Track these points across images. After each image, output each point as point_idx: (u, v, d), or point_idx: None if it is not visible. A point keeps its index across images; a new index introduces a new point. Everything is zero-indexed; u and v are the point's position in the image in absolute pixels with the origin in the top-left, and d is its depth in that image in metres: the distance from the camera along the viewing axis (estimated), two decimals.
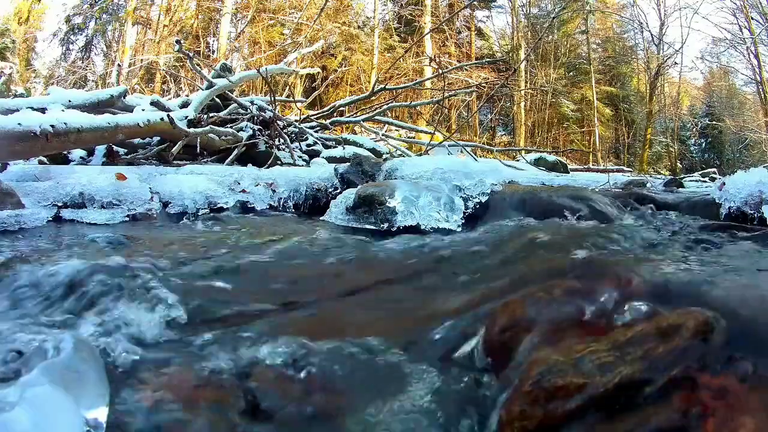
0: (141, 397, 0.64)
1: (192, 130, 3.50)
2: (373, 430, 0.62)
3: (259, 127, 4.47)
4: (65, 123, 2.42)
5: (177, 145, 3.35)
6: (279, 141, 4.60)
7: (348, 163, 2.49)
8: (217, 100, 4.53)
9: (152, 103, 3.97)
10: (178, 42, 4.22)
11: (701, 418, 0.50)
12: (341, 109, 6.29)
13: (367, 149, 5.26)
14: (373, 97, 6.08)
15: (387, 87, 6.04)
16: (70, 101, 3.46)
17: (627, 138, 20.46)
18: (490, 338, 0.76)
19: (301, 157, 4.55)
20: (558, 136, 19.49)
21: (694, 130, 22.12)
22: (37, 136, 2.24)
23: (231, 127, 4.23)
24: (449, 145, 5.31)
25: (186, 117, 3.68)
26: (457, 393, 0.68)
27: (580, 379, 0.56)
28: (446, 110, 13.43)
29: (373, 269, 1.30)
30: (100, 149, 3.49)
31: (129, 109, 3.93)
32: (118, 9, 17.98)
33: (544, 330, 0.70)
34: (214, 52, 17.12)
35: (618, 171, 9.04)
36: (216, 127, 3.95)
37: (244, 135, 4.17)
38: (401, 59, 14.13)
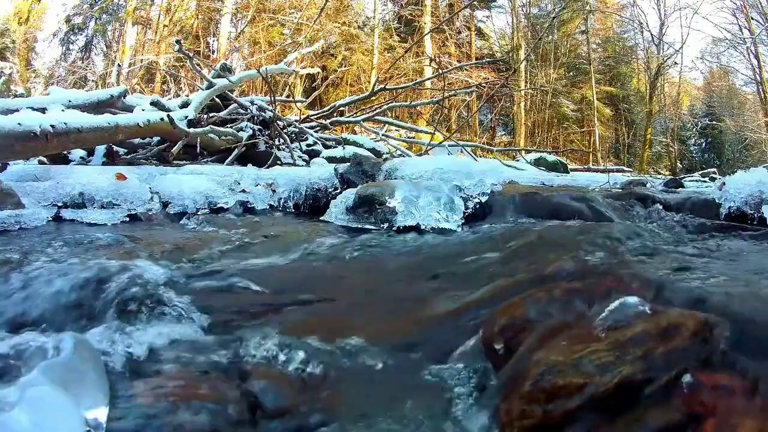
0: (141, 397, 0.64)
1: (192, 130, 3.50)
2: (373, 430, 0.62)
3: (259, 127, 4.47)
4: (65, 123, 2.42)
5: (177, 145, 3.35)
6: (279, 141, 4.60)
7: (348, 163, 2.49)
8: (217, 100, 4.53)
9: (152, 103, 3.97)
10: (178, 42, 4.22)
11: (701, 417, 0.50)
12: (341, 109, 6.29)
13: (367, 149, 5.26)
14: (373, 97, 6.08)
15: (387, 87, 6.04)
16: (70, 101, 3.46)
17: (627, 138, 20.45)
18: (490, 338, 0.76)
19: (301, 157, 4.55)
20: (558, 136, 19.48)
21: (694, 130, 22.13)
22: (37, 136, 2.24)
23: (231, 127, 4.23)
24: (449, 145, 5.31)
25: (186, 117, 3.68)
26: (457, 393, 0.68)
27: (580, 379, 0.56)
28: (446, 110, 13.42)
29: (372, 269, 1.30)
30: (100, 149, 3.48)
31: (129, 109, 3.93)
32: (118, 9, 17.97)
33: (544, 330, 0.70)
34: (214, 52, 17.10)
35: (618, 171, 9.04)
36: (216, 127, 3.95)
37: (244, 135, 4.17)
38: (401, 59, 14.12)
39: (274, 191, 2.42)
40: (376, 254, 1.44)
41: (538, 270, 1.01)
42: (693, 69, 23.52)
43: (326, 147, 5.18)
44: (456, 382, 0.71)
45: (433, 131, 5.93)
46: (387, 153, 5.63)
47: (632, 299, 0.72)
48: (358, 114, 6.31)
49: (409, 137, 7.57)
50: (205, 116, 4.09)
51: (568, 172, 6.53)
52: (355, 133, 7.81)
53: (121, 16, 17.56)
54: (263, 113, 4.56)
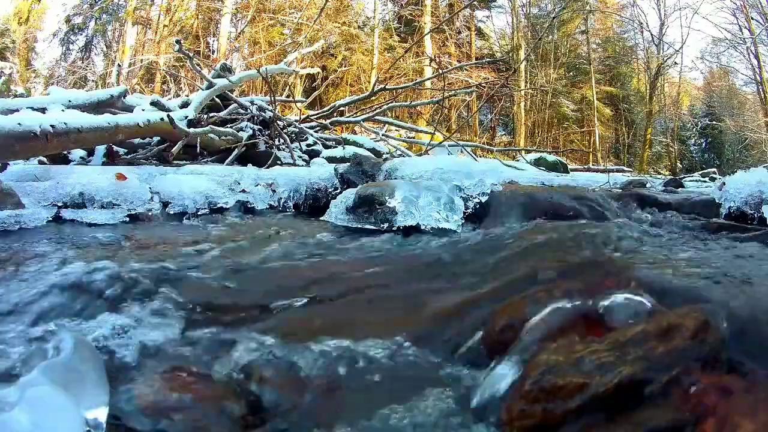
0: (141, 397, 0.64)
1: (192, 130, 3.50)
2: (372, 429, 0.62)
3: (259, 127, 4.47)
4: (65, 123, 2.42)
5: (177, 145, 3.35)
6: (279, 141, 4.60)
7: (348, 163, 2.49)
8: (217, 100, 4.52)
9: (152, 103, 3.97)
10: (178, 42, 4.22)
11: (701, 418, 0.50)
12: (341, 109, 6.29)
13: (367, 149, 5.26)
14: (373, 97, 6.07)
15: (387, 87, 6.04)
16: (70, 101, 3.46)
17: (627, 138, 20.46)
18: (490, 338, 0.76)
19: (301, 157, 4.54)
20: (558, 136, 19.49)
21: (694, 130, 22.14)
22: (37, 136, 2.24)
23: (231, 127, 4.23)
24: (449, 145, 5.31)
25: (186, 117, 3.68)
26: (457, 392, 0.68)
27: (580, 379, 0.56)
28: (446, 110, 13.42)
29: (373, 269, 1.30)
30: (100, 149, 3.48)
31: (129, 109, 3.93)
32: (118, 9, 17.97)
33: (544, 330, 0.70)
34: (214, 52, 17.11)
35: (618, 171, 9.04)
36: (216, 127, 3.95)
37: (244, 135, 4.17)
38: (401, 59, 14.12)
39: (274, 191, 2.42)
40: (376, 254, 1.44)
41: (538, 270, 1.01)
42: (693, 69, 23.53)
43: (326, 147, 5.18)
44: (456, 381, 0.71)
45: (433, 131, 5.93)
46: (387, 153, 5.63)
47: (632, 299, 0.72)
48: (358, 114, 6.31)
49: (409, 137, 7.57)
50: (205, 116, 4.09)
51: (568, 172, 6.53)
52: (355, 133, 7.81)
53: (121, 16, 17.56)
54: (263, 113, 4.56)
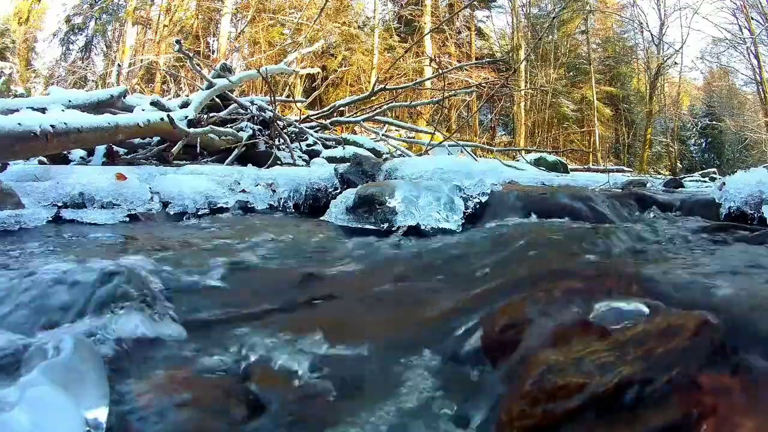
0: (141, 397, 0.64)
1: (192, 130, 3.50)
2: (373, 430, 0.62)
3: (259, 127, 4.47)
4: (65, 123, 2.42)
5: (177, 145, 3.35)
6: (279, 141, 4.60)
7: (348, 163, 2.49)
8: (217, 100, 4.52)
9: (152, 103, 3.97)
10: (178, 42, 4.22)
11: (701, 418, 0.50)
12: (341, 109, 6.29)
13: (367, 149, 5.26)
14: (373, 97, 6.07)
15: (387, 87, 6.04)
16: (70, 101, 3.46)
17: (627, 138, 20.46)
18: (490, 338, 0.76)
19: (301, 157, 4.54)
20: (558, 136, 19.49)
21: (694, 130, 22.14)
22: (37, 136, 2.24)
23: (231, 127, 4.23)
24: (449, 145, 5.31)
25: (186, 117, 3.68)
26: (457, 393, 0.68)
27: (580, 379, 0.56)
28: (446, 110, 13.42)
29: (372, 269, 1.30)
30: (100, 149, 3.48)
31: (129, 109, 3.93)
32: (118, 9, 17.98)
33: (544, 330, 0.70)
34: (214, 52, 17.10)
35: (618, 171, 9.04)
36: (216, 127, 3.95)
37: (244, 135, 4.17)
38: (401, 59, 14.12)
39: (274, 191, 2.42)
40: (375, 254, 1.44)
41: (538, 270, 1.01)
42: (693, 69, 23.55)
43: (326, 147, 5.18)
44: (456, 381, 0.71)
45: (433, 131, 5.92)
46: (387, 153, 5.62)
47: (632, 299, 0.72)
48: (358, 114, 6.30)
49: (409, 137, 7.56)
50: (205, 116, 4.09)
51: (568, 172, 6.53)
52: (355, 133, 7.81)
53: (121, 16, 17.56)
54: (263, 113, 4.56)
